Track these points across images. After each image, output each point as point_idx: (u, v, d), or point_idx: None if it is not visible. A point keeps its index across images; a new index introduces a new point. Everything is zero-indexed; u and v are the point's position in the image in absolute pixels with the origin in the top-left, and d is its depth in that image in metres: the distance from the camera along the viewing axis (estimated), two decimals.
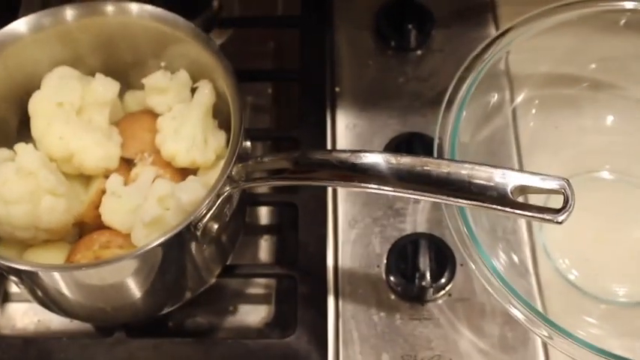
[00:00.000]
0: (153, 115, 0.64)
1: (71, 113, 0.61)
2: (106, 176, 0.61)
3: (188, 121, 0.61)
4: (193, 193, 0.57)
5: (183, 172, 0.62)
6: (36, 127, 0.61)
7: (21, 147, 0.59)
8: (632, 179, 0.70)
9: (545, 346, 0.62)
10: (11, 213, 0.57)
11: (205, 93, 0.62)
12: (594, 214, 0.67)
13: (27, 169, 0.57)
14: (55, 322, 0.67)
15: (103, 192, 0.60)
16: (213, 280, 0.64)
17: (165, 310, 0.62)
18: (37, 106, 0.61)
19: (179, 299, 0.62)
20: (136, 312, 0.62)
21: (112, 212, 0.59)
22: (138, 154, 0.63)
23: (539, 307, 0.62)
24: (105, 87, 0.63)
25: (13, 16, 0.61)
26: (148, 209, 0.57)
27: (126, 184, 0.60)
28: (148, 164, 0.62)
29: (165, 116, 0.62)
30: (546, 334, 0.54)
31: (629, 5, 0.67)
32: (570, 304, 0.64)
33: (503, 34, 0.66)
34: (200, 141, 0.61)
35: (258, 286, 0.69)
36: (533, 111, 0.72)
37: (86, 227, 0.61)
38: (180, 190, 0.57)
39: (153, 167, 0.61)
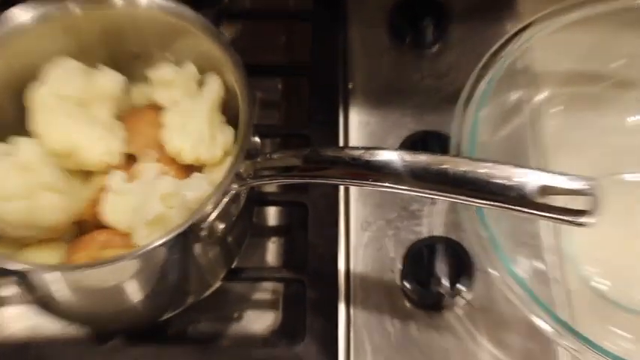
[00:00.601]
0: (158, 109, 0.63)
1: (72, 106, 0.60)
2: (108, 173, 0.60)
3: (195, 116, 0.60)
4: (199, 190, 0.56)
5: (189, 169, 0.61)
6: (34, 119, 0.60)
7: (19, 140, 0.58)
8: None
9: (572, 358, 0.60)
10: (8, 210, 0.56)
11: (213, 87, 0.62)
12: (622, 219, 0.66)
13: (24, 164, 0.57)
14: (51, 326, 0.65)
15: (104, 189, 0.59)
16: (217, 284, 0.63)
17: (167, 316, 0.61)
18: (37, 98, 0.60)
19: (181, 304, 0.61)
20: (136, 316, 0.61)
21: (112, 210, 0.58)
22: (142, 149, 0.61)
23: (565, 318, 0.59)
24: (109, 80, 0.62)
25: (15, 2, 0.60)
26: (150, 207, 0.55)
27: (128, 181, 0.59)
28: (151, 160, 0.61)
29: (171, 111, 0.62)
30: (573, 346, 0.53)
31: None
32: (598, 314, 0.63)
33: (523, 30, 0.66)
34: (207, 137, 0.60)
35: (265, 290, 0.68)
36: (555, 110, 0.72)
37: (85, 226, 0.60)
38: (185, 188, 0.57)
39: (157, 164, 0.60)
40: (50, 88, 0.60)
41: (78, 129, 0.59)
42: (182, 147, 0.60)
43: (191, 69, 0.63)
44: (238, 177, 0.54)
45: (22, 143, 0.57)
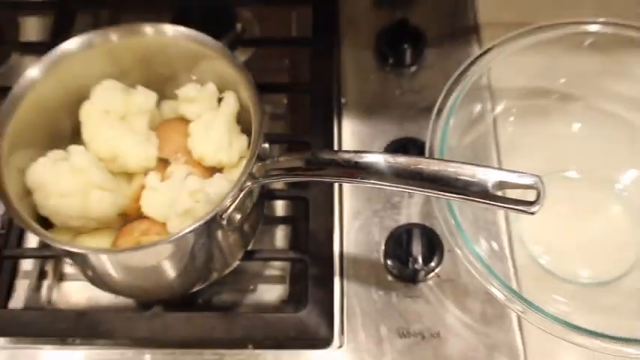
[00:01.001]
0: (185, 121, 0.64)
1: (116, 119, 0.62)
2: (146, 174, 0.61)
3: (215, 127, 0.61)
4: (220, 187, 0.57)
5: (211, 170, 0.62)
6: (86, 131, 0.61)
7: (73, 148, 0.59)
8: (594, 178, 0.71)
9: (519, 320, 0.63)
10: (66, 204, 0.57)
11: (230, 102, 0.63)
12: (562, 208, 0.68)
13: (79, 167, 0.58)
14: (103, 298, 0.67)
15: (143, 187, 0.61)
16: (236, 263, 0.64)
17: (196, 288, 0.63)
18: (87, 113, 0.62)
19: (207, 279, 0.62)
20: (170, 290, 0.62)
21: (150, 204, 0.59)
22: (172, 154, 0.63)
23: (515, 287, 0.62)
24: (144, 97, 0.63)
25: (68, 36, 0.62)
26: (181, 202, 0.57)
27: (162, 180, 0.61)
28: (181, 163, 0.62)
29: (196, 122, 0.63)
30: (521, 309, 0.55)
31: (592, 28, 0.67)
32: (541, 284, 0.65)
33: (485, 53, 0.66)
34: (226, 143, 0.61)
35: (275, 268, 0.70)
36: (511, 119, 0.72)
37: (129, 217, 0.61)
38: (209, 186, 0.58)
39: (185, 166, 0.62)
40: (97, 105, 0.61)
41: (120, 138, 0.60)
42: (205, 152, 0.61)
43: (212, 88, 0.63)
44: (251, 176, 0.54)
45: (75, 151, 0.59)
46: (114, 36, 0.62)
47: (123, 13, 0.86)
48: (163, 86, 0.66)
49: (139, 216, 0.60)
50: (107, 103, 0.62)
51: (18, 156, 0.59)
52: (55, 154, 0.60)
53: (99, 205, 0.59)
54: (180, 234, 0.52)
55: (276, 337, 0.62)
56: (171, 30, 0.62)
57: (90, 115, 0.62)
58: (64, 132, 0.64)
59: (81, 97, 0.63)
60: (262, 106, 0.58)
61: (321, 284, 0.64)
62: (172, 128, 0.65)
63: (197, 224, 0.52)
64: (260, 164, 0.55)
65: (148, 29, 0.62)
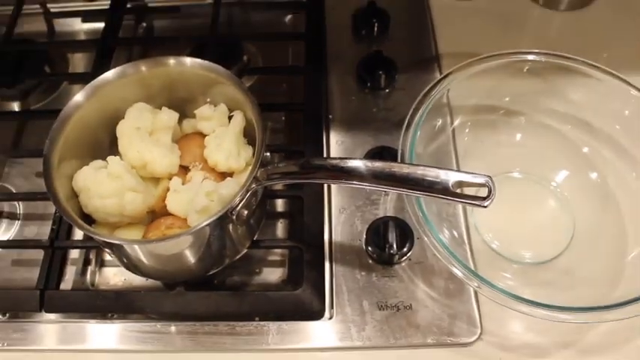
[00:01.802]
0: (202, 135, 0.63)
1: (145, 134, 0.60)
2: (170, 178, 0.60)
3: (226, 139, 0.60)
4: (230, 189, 0.57)
5: (223, 175, 0.61)
6: (121, 144, 0.60)
7: (111, 158, 0.58)
8: (533, 177, 0.70)
9: (476, 294, 0.62)
10: (105, 204, 0.57)
11: (238, 120, 0.62)
12: (509, 202, 0.66)
13: (115, 174, 0.57)
14: (136, 280, 0.66)
15: (168, 189, 0.59)
16: (245, 251, 0.63)
17: (212, 272, 0.61)
18: (122, 129, 0.61)
19: (221, 264, 0.61)
20: (191, 273, 0.61)
21: (174, 203, 0.58)
22: (191, 162, 0.62)
23: (472, 267, 0.62)
24: (168, 116, 0.62)
25: (107, 68, 0.62)
26: (198, 201, 0.56)
27: (183, 183, 0.60)
28: (198, 170, 0.61)
29: (211, 136, 0.62)
30: (477, 285, 0.54)
31: (530, 57, 0.67)
32: (493, 264, 0.64)
33: (444, 77, 0.66)
34: (235, 153, 0.60)
35: (276, 254, 0.68)
36: (466, 130, 0.71)
37: (156, 214, 0.61)
38: (221, 188, 0.57)
39: (202, 172, 0.60)
40: (130, 123, 0.60)
41: (149, 150, 0.59)
42: (218, 160, 0.59)
43: (223, 108, 0.63)
44: (256, 179, 0.54)
45: (113, 160, 0.58)
46: (143, 67, 0.61)
47: (151, 49, 0.86)
48: (184, 107, 0.65)
49: (165, 213, 0.59)
50: (138, 122, 0.61)
51: (66, 165, 0.58)
52: (96, 163, 0.60)
53: (131, 205, 0.57)
54: (199, 226, 0.52)
55: (277, 311, 0.62)
56: (189, 61, 0.61)
57: (124, 131, 0.61)
58: (103, 145, 0.63)
59: (117, 116, 0.62)
60: (264, 123, 0.58)
61: (314, 267, 0.63)
62: (191, 141, 0.63)
63: (212, 219, 0.52)
64: (263, 169, 0.55)
65: (171, 61, 0.61)
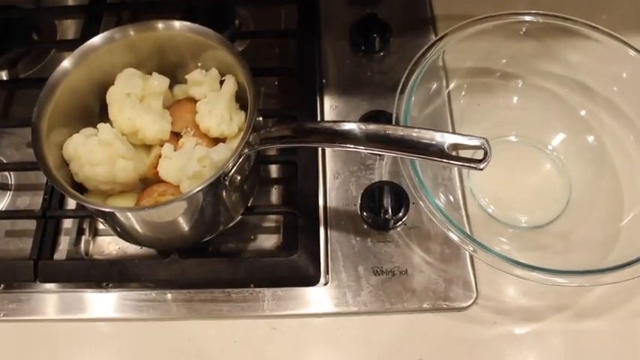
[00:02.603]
0: (193, 101, 0.62)
1: (136, 101, 0.59)
2: (161, 145, 0.59)
3: (218, 105, 0.59)
4: (223, 154, 0.56)
5: (216, 141, 0.60)
6: (111, 111, 0.59)
7: (101, 126, 0.57)
8: (530, 141, 0.69)
9: (471, 258, 0.61)
10: (96, 172, 0.56)
11: (230, 84, 0.61)
12: (505, 166, 0.66)
13: (106, 141, 0.56)
14: (130, 249, 0.66)
15: (160, 156, 0.59)
16: (239, 217, 0.62)
17: (206, 238, 0.61)
18: (112, 96, 0.60)
19: (215, 231, 0.61)
20: (185, 240, 0.61)
21: (166, 170, 0.58)
22: (183, 128, 0.61)
23: (468, 231, 0.61)
24: (159, 81, 0.61)
25: (95, 34, 0.60)
26: (190, 167, 0.55)
27: (175, 150, 0.59)
28: (190, 136, 0.60)
29: (202, 102, 0.61)
30: (472, 249, 0.54)
31: (527, 18, 0.65)
32: (489, 229, 0.64)
33: (439, 39, 0.64)
34: (227, 118, 0.59)
35: (271, 221, 0.68)
36: (462, 94, 0.70)
37: (148, 181, 0.60)
38: (214, 153, 0.56)
39: (194, 138, 0.60)
40: (120, 89, 0.59)
41: (140, 116, 0.58)
42: (210, 126, 0.59)
43: (215, 72, 0.62)
44: (248, 144, 0.53)
45: (103, 127, 0.57)
46: (132, 31, 0.60)
47: (140, 14, 0.83)
48: (174, 72, 0.63)
49: (157, 180, 0.58)
50: (128, 87, 0.60)
51: (55, 134, 0.57)
52: (87, 130, 0.59)
53: (123, 172, 0.57)
54: (192, 192, 0.51)
55: (273, 277, 0.61)
56: (178, 25, 0.59)
57: (114, 97, 0.60)
58: (93, 112, 0.62)
59: (106, 83, 0.60)
60: (257, 87, 0.56)
61: (309, 233, 0.62)
62: (183, 107, 0.62)
63: (204, 184, 0.51)
64: (255, 134, 0.54)
65: (160, 25, 0.60)
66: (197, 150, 0.56)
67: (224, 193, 0.56)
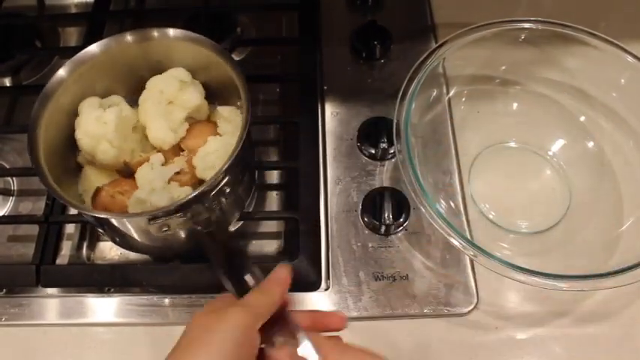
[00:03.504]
0: (214, 126, 0.61)
1: (163, 100, 0.60)
2: (159, 151, 0.59)
3: (215, 154, 0.58)
4: (165, 198, 0.55)
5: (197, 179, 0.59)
6: (142, 97, 0.60)
7: (111, 110, 0.57)
8: (530, 147, 0.69)
9: (472, 263, 0.61)
10: (81, 140, 0.57)
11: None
12: (505, 172, 0.66)
13: (103, 120, 0.57)
14: (132, 254, 0.66)
15: (147, 159, 0.59)
16: (240, 223, 0.62)
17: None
18: (152, 83, 0.60)
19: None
20: (181, 248, 0.60)
21: (141, 174, 0.58)
22: (189, 149, 0.60)
23: (468, 237, 0.61)
24: (190, 96, 0.60)
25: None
26: (157, 184, 0.56)
27: (164, 163, 0.58)
28: (183, 160, 0.59)
29: (203, 147, 0.59)
30: (473, 254, 0.54)
31: (526, 25, 0.65)
32: (489, 234, 0.63)
33: (440, 47, 0.64)
34: (216, 165, 0.57)
35: (272, 226, 0.68)
36: (463, 100, 0.70)
37: (131, 169, 0.60)
38: (173, 189, 0.57)
39: (184, 163, 0.59)
40: (160, 81, 0.60)
41: (153, 116, 0.58)
42: (197, 167, 0.58)
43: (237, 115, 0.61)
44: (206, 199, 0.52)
45: (110, 110, 0.57)
46: (128, 39, 0.60)
47: (142, 22, 0.83)
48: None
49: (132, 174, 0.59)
50: (164, 85, 0.60)
51: (53, 142, 0.56)
52: (107, 100, 0.60)
53: (103, 155, 0.58)
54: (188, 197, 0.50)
55: None
56: (173, 32, 0.59)
57: (153, 85, 0.60)
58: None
59: (100, 90, 0.60)
60: (251, 90, 0.55)
61: (310, 238, 0.62)
62: (202, 128, 0.61)
63: (196, 192, 0.50)
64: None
65: (155, 33, 0.59)
66: (167, 172, 0.57)
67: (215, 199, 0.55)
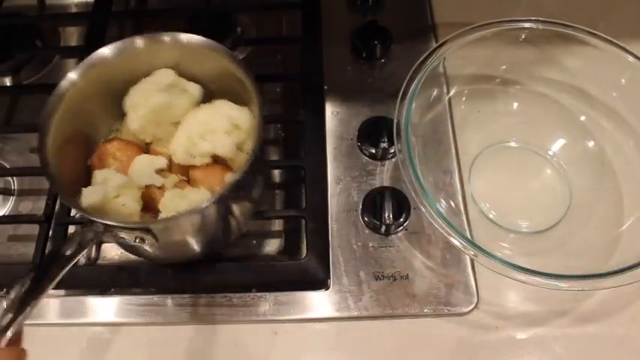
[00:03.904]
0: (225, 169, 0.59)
1: (203, 127, 0.57)
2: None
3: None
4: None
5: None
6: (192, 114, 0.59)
7: (161, 94, 0.58)
8: (530, 147, 0.69)
9: (472, 263, 0.61)
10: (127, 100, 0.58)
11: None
12: (506, 171, 0.66)
13: (150, 95, 0.58)
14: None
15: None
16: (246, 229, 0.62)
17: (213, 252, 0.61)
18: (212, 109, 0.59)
19: (224, 244, 0.61)
20: (192, 255, 0.60)
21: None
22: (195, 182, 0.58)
23: (469, 236, 0.61)
24: (226, 143, 0.57)
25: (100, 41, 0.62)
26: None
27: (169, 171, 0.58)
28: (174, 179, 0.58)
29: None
30: (473, 254, 0.54)
31: (526, 25, 0.65)
32: (490, 234, 0.63)
33: (440, 46, 0.64)
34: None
35: (273, 225, 0.67)
36: (463, 99, 0.70)
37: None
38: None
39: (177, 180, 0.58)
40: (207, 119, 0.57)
41: (185, 134, 0.57)
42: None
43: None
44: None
45: (168, 100, 0.57)
46: (139, 43, 0.58)
47: (144, 22, 0.83)
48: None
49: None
50: (214, 121, 0.57)
51: (62, 145, 0.55)
52: (181, 85, 0.59)
53: (129, 122, 0.58)
54: (203, 205, 0.49)
55: (282, 281, 0.61)
56: (185, 37, 0.58)
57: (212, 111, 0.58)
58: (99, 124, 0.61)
59: (110, 94, 0.60)
60: (261, 91, 0.54)
61: (318, 236, 0.62)
62: (213, 172, 0.58)
63: (210, 200, 0.50)
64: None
65: (167, 37, 0.58)
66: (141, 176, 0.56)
67: (233, 207, 0.56)
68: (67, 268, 0.47)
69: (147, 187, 0.56)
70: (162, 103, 0.57)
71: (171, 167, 0.59)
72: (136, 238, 0.51)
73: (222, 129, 0.56)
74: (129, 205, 0.54)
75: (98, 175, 0.56)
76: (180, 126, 0.58)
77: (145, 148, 0.60)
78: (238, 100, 0.60)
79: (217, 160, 0.58)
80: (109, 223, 0.50)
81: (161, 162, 0.58)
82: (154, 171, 0.56)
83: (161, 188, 0.56)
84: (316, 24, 0.77)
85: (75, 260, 0.48)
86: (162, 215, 0.54)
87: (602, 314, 0.59)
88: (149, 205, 0.56)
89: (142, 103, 0.57)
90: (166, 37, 0.58)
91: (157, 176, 0.56)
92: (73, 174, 0.57)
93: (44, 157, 0.52)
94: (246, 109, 0.57)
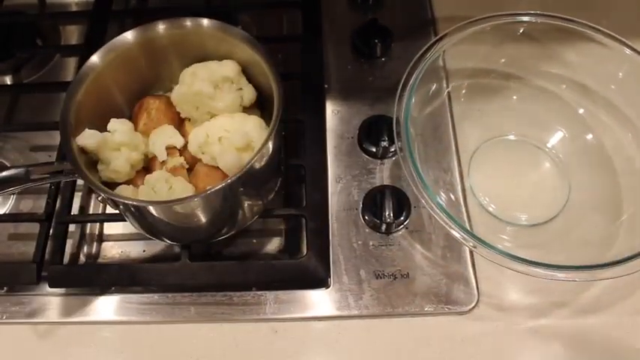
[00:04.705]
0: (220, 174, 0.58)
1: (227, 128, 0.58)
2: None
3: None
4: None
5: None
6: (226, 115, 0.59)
7: (204, 84, 0.59)
8: (529, 140, 0.69)
9: (472, 260, 0.61)
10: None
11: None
12: (505, 164, 0.67)
13: (192, 79, 0.59)
14: (134, 253, 0.66)
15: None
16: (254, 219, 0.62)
17: (221, 236, 0.60)
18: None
19: (232, 229, 0.60)
20: (202, 233, 0.60)
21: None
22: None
23: (469, 229, 0.60)
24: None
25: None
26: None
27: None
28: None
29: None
30: (472, 245, 0.54)
31: (525, 19, 0.66)
32: (489, 227, 0.63)
33: (439, 40, 0.64)
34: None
35: (273, 224, 0.67)
36: (463, 92, 0.70)
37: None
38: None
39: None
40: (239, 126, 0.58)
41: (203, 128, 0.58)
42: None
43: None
44: None
45: (209, 91, 0.58)
46: (160, 28, 0.60)
47: (144, 20, 0.80)
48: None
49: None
50: (245, 129, 0.57)
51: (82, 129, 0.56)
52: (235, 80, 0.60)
53: (172, 94, 0.60)
54: (215, 189, 0.50)
55: (283, 279, 0.60)
56: (206, 22, 0.60)
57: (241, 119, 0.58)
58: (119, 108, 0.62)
59: (132, 79, 0.61)
60: (279, 75, 0.56)
61: (318, 235, 0.62)
62: (209, 173, 0.59)
63: (225, 183, 0.51)
64: None
65: (188, 22, 0.60)
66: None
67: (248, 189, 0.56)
68: (20, 188, 0.53)
69: (152, 157, 0.58)
70: (204, 91, 0.58)
71: (183, 151, 0.59)
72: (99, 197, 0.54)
73: (237, 144, 0.56)
74: (119, 163, 0.56)
75: (112, 122, 0.57)
76: (211, 119, 0.59)
77: (179, 122, 0.62)
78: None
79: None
80: (78, 169, 0.52)
81: (177, 141, 0.58)
82: (164, 145, 0.57)
83: (162, 164, 0.58)
84: (317, 23, 0.77)
85: (29, 184, 0.53)
86: (141, 188, 0.56)
87: (601, 305, 0.59)
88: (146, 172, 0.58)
89: (188, 83, 0.59)
90: (188, 22, 0.60)
91: (163, 151, 0.57)
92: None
93: (67, 139, 0.53)
94: (265, 133, 0.57)
